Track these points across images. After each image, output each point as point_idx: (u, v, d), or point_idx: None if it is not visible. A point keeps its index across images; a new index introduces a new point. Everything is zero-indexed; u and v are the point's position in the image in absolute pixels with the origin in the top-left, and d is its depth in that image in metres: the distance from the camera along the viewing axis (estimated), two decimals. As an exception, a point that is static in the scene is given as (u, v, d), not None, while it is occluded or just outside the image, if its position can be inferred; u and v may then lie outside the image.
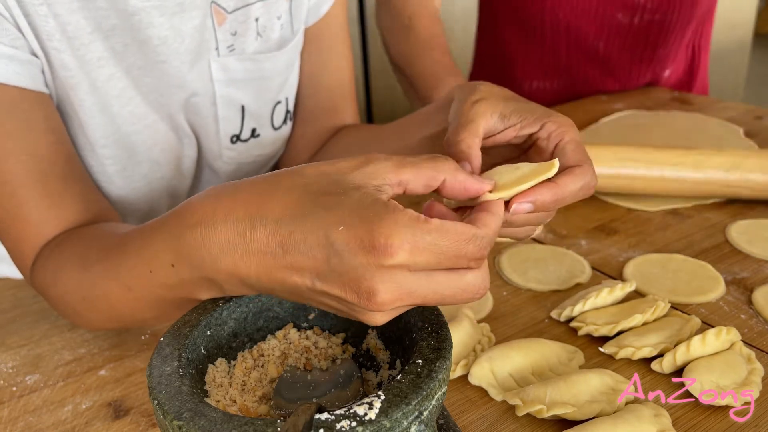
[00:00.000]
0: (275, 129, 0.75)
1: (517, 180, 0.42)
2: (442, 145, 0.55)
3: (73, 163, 0.59)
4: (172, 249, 0.42)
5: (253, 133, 0.73)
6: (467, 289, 0.37)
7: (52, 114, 0.57)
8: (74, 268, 0.52)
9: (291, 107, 0.76)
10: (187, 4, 0.60)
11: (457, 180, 0.40)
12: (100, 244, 0.51)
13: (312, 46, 0.75)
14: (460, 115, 0.48)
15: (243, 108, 0.70)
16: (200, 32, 0.62)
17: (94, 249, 0.51)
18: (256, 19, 0.67)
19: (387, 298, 0.35)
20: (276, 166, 0.84)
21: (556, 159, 0.43)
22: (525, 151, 0.52)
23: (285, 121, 0.76)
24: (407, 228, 0.35)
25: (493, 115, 0.48)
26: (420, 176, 0.39)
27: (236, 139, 0.72)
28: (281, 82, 0.72)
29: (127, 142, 0.64)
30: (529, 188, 0.43)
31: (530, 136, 0.49)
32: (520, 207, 0.43)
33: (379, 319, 0.37)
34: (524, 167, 0.43)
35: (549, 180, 0.44)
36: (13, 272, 0.72)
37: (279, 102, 0.74)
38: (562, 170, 0.46)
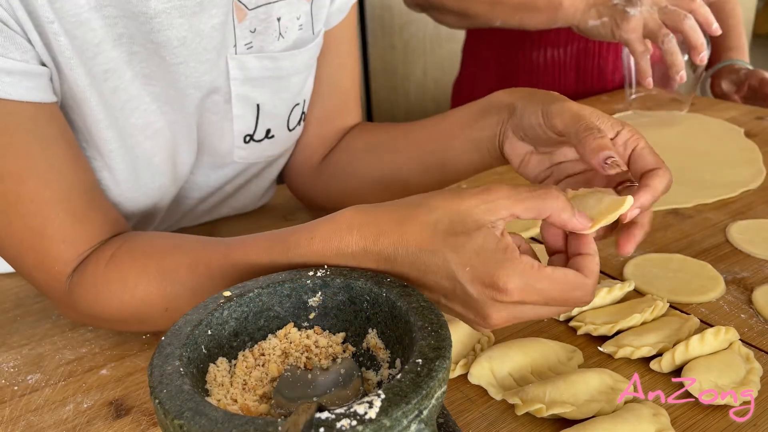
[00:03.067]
0: (290, 130, 0.75)
1: (600, 213, 0.48)
2: (489, 147, 0.62)
3: (90, 175, 0.59)
4: (316, 265, 0.48)
5: (268, 134, 0.73)
6: (562, 311, 0.47)
7: (65, 127, 0.57)
8: (157, 282, 0.54)
9: (306, 109, 0.76)
10: (206, 3, 0.59)
11: (560, 218, 0.46)
12: (189, 260, 0.53)
13: (332, 49, 0.76)
14: (574, 115, 0.52)
15: (258, 107, 0.70)
16: (220, 30, 0.62)
17: (182, 265, 0.53)
18: (278, 19, 0.67)
19: (499, 322, 0.44)
20: (285, 167, 0.84)
21: (630, 196, 0.49)
22: None
23: (299, 123, 0.76)
24: (522, 276, 0.42)
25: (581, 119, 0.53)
26: (530, 210, 0.45)
27: (249, 138, 0.72)
28: (300, 82, 0.72)
29: (130, 152, 0.63)
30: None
31: None
32: (632, 213, 0.50)
33: (493, 329, 0.46)
34: (605, 198, 0.49)
35: (642, 184, 0.51)
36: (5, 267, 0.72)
37: (297, 104, 0.74)
38: (645, 173, 0.52)
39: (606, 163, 0.49)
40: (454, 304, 0.45)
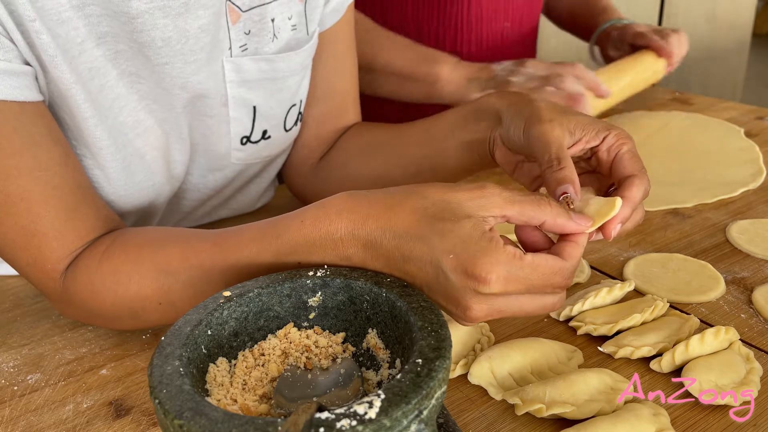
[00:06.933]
0: (286, 131, 0.75)
1: (595, 215, 0.48)
2: (480, 150, 0.62)
3: (81, 172, 0.58)
4: (303, 251, 0.48)
5: (264, 135, 0.73)
6: (546, 306, 0.46)
7: (53, 124, 0.57)
8: (151, 275, 0.53)
9: (302, 109, 0.76)
10: (191, 4, 0.59)
11: (557, 223, 0.46)
12: (181, 250, 0.53)
13: (328, 49, 0.76)
14: (544, 143, 0.52)
15: (254, 109, 0.70)
16: (208, 32, 0.61)
17: (174, 256, 0.53)
18: (272, 20, 0.66)
19: (479, 315, 0.44)
20: (284, 166, 0.84)
21: (619, 198, 0.48)
22: (586, 159, 0.56)
23: (296, 123, 0.76)
24: (504, 265, 0.42)
25: (566, 134, 0.53)
26: (523, 215, 0.46)
27: (246, 140, 0.72)
28: (296, 83, 0.72)
29: (121, 151, 0.63)
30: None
31: (591, 148, 0.54)
32: (616, 229, 0.49)
33: (473, 323, 0.46)
34: (593, 202, 0.49)
35: (621, 196, 0.50)
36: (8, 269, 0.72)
37: (294, 105, 0.74)
38: (622, 180, 0.52)
39: (560, 199, 0.49)
40: (436, 296, 0.45)
